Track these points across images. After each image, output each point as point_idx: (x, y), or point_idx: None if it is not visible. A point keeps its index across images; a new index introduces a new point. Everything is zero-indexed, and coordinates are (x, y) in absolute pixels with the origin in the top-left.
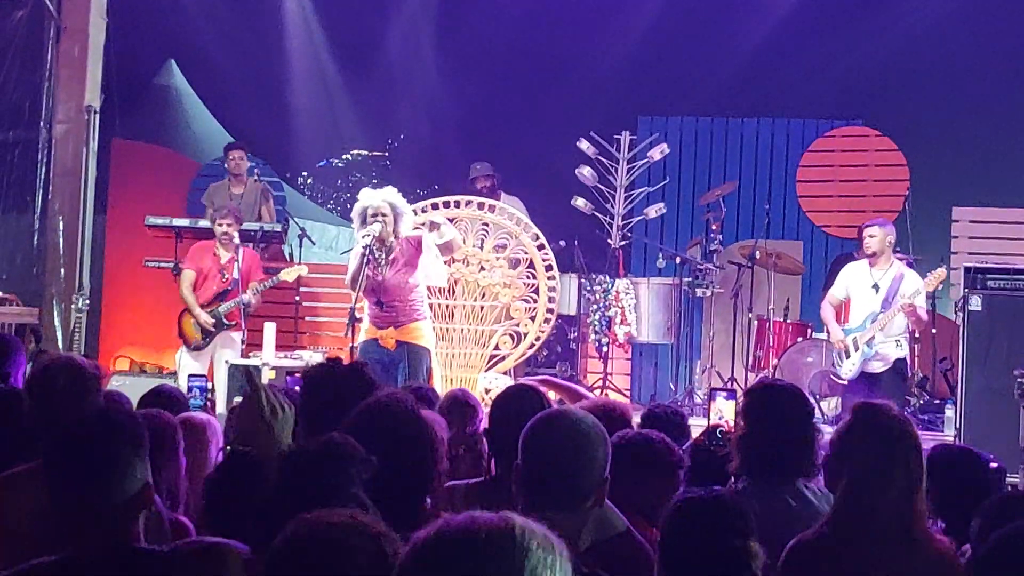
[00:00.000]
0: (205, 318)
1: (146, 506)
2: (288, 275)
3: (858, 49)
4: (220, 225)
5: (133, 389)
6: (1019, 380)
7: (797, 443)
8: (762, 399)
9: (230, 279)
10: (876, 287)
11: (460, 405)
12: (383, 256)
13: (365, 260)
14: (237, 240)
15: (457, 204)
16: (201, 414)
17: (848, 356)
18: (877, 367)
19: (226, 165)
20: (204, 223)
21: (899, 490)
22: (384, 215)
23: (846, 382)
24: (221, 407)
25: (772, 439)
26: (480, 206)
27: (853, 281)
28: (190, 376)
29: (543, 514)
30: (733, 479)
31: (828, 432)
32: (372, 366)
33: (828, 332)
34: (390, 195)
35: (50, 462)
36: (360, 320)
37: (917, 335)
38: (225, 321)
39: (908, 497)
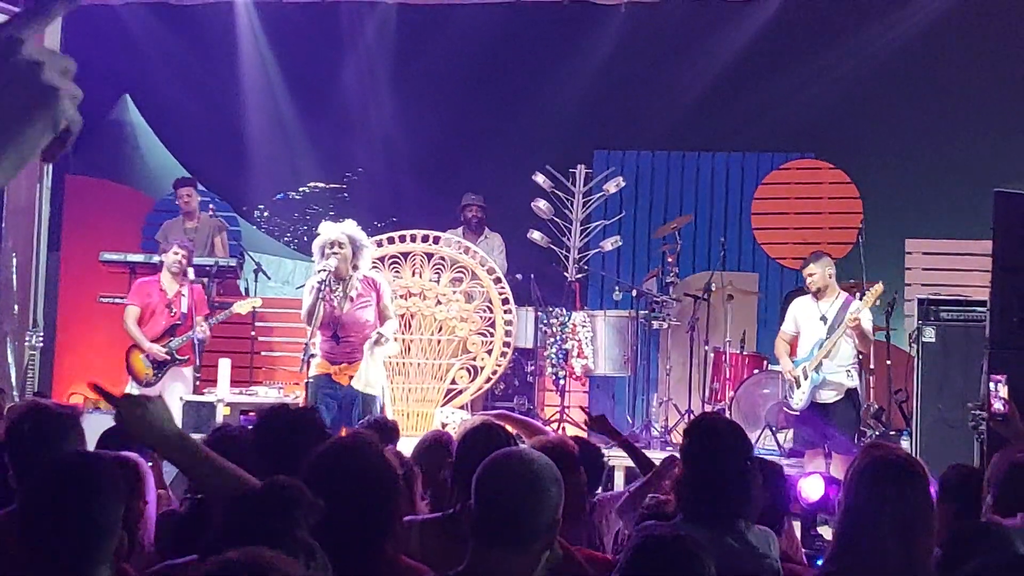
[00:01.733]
0: (157, 349)
1: (119, 559)
2: (241, 308)
3: (810, 84)
4: (176, 254)
5: (87, 426)
6: (973, 412)
7: (735, 481)
8: (699, 437)
9: (178, 313)
10: (824, 319)
11: (438, 447)
12: (340, 290)
13: (320, 294)
14: (192, 275)
15: (413, 239)
16: (131, 454)
17: (799, 386)
18: (828, 397)
19: (176, 203)
20: (159, 259)
21: (891, 527)
22: (342, 247)
23: (798, 413)
24: None
25: (710, 478)
26: (435, 240)
27: (801, 315)
28: None
29: (494, 554)
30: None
31: (787, 464)
32: (326, 402)
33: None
34: (349, 228)
35: (31, 516)
36: (315, 355)
37: (872, 366)
38: (177, 356)
39: (904, 534)
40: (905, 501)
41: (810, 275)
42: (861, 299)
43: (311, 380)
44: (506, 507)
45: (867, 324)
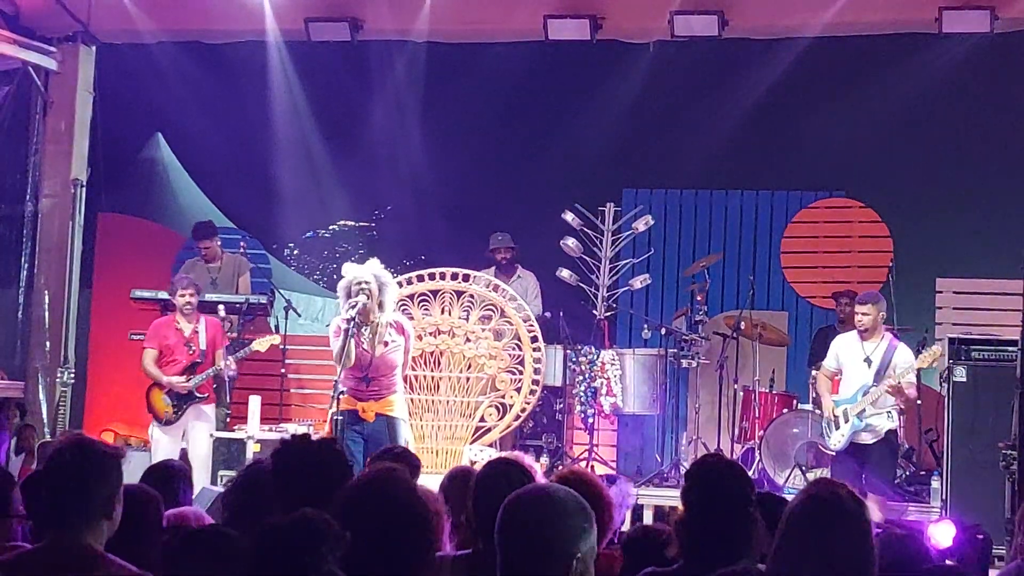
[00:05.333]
0: (177, 380)
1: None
2: (261, 345)
3: (840, 122)
4: (183, 296)
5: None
6: (1004, 452)
7: (737, 524)
8: (701, 480)
9: (198, 351)
10: (868, 361)
11: (463, 481)
12: (368, 333)
13: (350, 334)
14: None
15: (443, 276)
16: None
17: (838, 427)
18: (867, 438)
19: (198, 251)
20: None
21: (819, 567)
22: (367, 285)
23: (834, 453)
24: (204, 481)
25: (711, 521)
26: (464, 278)
27: (844, 353)
28: None
29: None
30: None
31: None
32: (352, 437)
33: (821, 404)
34: (374, 267)
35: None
36: (343, 392)
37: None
38: (197, 394)
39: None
40: (836, 541)
41: (864, 314)
42: (899, 339)
43: (339, 417)
44: (527, 544)
45: (910, 379)
